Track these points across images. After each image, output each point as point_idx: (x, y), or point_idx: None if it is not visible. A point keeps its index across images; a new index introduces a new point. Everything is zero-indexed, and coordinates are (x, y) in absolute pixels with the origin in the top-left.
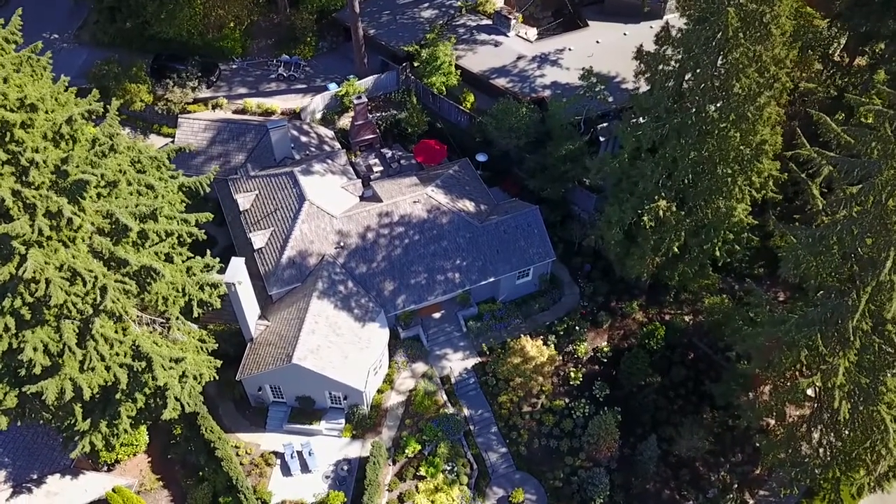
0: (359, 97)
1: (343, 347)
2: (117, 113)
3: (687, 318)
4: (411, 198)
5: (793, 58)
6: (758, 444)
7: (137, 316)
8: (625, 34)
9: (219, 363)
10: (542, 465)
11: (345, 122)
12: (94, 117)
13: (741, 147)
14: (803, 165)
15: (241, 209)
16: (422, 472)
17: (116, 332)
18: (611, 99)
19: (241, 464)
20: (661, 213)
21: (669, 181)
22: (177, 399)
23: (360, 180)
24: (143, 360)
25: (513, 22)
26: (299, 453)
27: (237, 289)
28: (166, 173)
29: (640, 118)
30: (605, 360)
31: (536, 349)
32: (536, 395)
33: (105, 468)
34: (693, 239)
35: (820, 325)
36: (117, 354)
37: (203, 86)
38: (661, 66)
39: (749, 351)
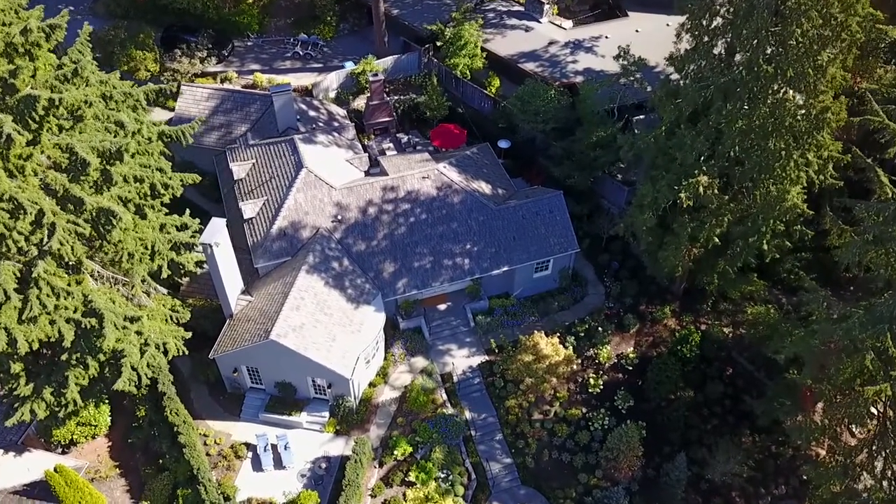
0: (375, 75)
1: (330, 328)
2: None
3: (726, 330)
4: (420, 173)
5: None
6: (805, 477)
7: (98, 273)
8: (667, 25)
9: (188, 335)
10: (552, 481)
11: (360, 103)
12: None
13: (798, 116)
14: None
15: (234, 178)
16: (411, 477)
17: (70, 284)
18: (649, 88)
19: (207, 454)
20: (701, 189)
21: (712, 159)
22: (134, 369)
23: (366, 154)
24: (94, 316)
25: (546, 7)
26: (274, 447)
27: (214, 251)
28: (143, 115)
29: (681, 81)
30: (630, 368)
31: (551, 347)
32: (549, 402)
33: (59, 449)
34: (737, 228)
35: (891, 322)
36: (66, 308)
37: (213, 59)
38: (707, 17)
39: (800, 355)
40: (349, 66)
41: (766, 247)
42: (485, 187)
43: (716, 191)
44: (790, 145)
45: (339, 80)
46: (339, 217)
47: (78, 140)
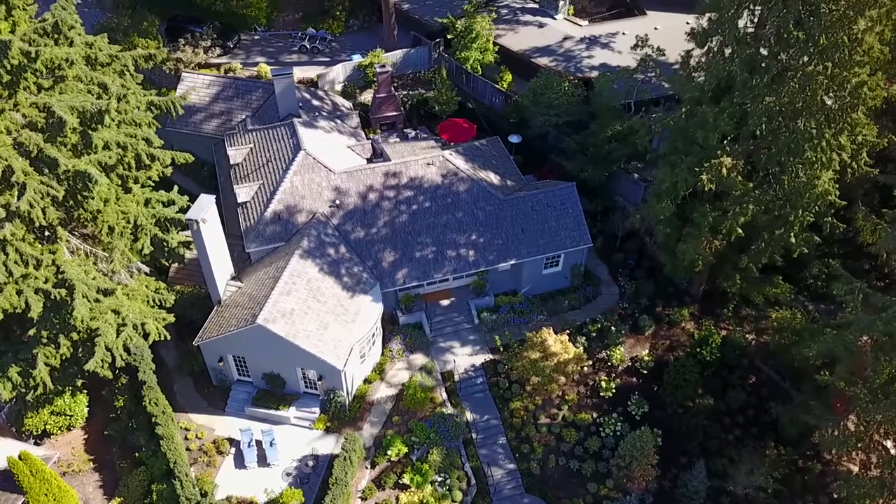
0: (383, 66)
1: (323, 316)
2: None
3: (749, 337)
4: (425, 159)
5: None
6: (836, 496)
7: (76, 247)
8: (687, 23)
9: (171, 318)
10: (559, 490)
11: (367, 97)
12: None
13: (832, 91)
14: None
15: (231, 163)
16: (405, 479)
17: (42, 254)
18: (667, 85)
19: (187, 449)
20: (724, 171)
21: (736, 142)
22: (109, 350)
23: (369, 141)
24: (65, 287)
25: (561, 3)
26: (258, 442)
27: (201, 228)
28: (131, 83)
29: (703, 58)
30: (645, 372)
31: (560, 344)
32: (557, 405)
33: (31, 440)
34: (763, 217)
35: None
36: (35, 279)
37: (218, 49)
38: None
39: (834, 353)
40: (356, 58)
41: (793, 240)
42: (493, 178)
43: (740, 176)
44: (822, 124)
45: (345, 72)
46: (338, 202)
47: (57, 100)
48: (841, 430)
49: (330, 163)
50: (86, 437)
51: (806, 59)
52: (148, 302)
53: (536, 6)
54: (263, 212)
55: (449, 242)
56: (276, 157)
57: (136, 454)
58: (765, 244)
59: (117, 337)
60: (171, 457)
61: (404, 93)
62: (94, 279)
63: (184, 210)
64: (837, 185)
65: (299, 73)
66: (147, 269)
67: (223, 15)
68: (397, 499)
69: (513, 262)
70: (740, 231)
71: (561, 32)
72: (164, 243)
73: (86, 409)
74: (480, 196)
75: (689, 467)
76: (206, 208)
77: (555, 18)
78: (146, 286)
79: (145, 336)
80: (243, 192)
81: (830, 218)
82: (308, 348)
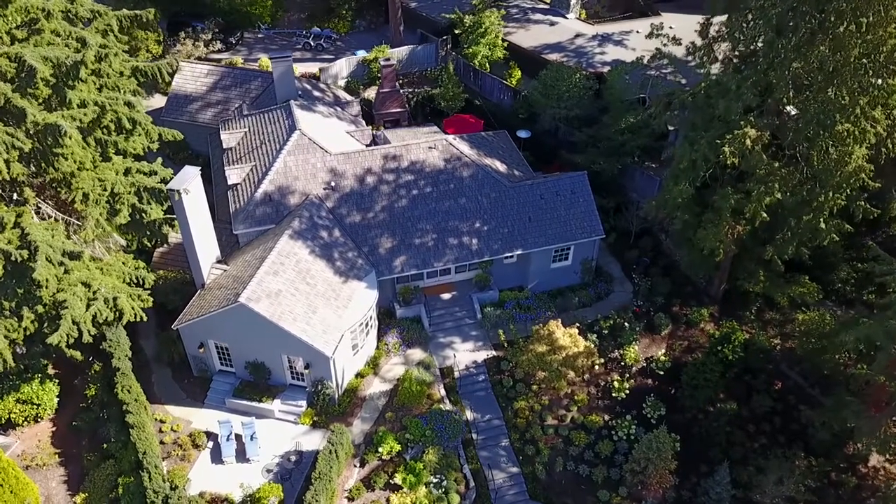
0: (388, 60)
1: (312, 300)
2: None
3: (774, 342)
4: (427, 143)
5: None
6: None
7: (46, 214)
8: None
9: (148, 299)
10: (566, 497)
11: (370, 94)
12: None
13: (871, 50)
14: None
15: (224, 146)
16: (397, 479)
17: (7, 215)
18: (683, 81)
19: (161, 442)
20: (748, 143)
21: (762, 115)
22: (75, 323)
23: (369, 128)
24: (28, 249)
25: (573, 2)
26: (238, 436)
27: (183, 199)
28: (116, 45)
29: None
30: (661, 373)
31: (569, 338)
32: (566, 406)
33: None
34: (790, 200)
35: None
36: None
37: (219, 43)
38: None
39: (872, 340)
40: (361, 53)
41: (823, 226)
42: (499, 166)
43: (765, 154)
44: (854, 92)
45: (349, 67)
46: (333, 184)
47: (29, 51)
48: (882, 430)
49: (327, 145)
50: (54, 429)
51: (834, 18)
52: (124, 280)
53: (547, 6)
54: (254, 193)
55: (451, 230)
56: (271, 139)
57: (105, 446)
58: (791, 233)
59: (87, 310)
60: (140, 447)
61: (410, 90)
62: (61, 243)
63: (166, 182)
64: (872, 168)
65: (301, 68)
66: (124, 243)
67: (227, 13)
68: (388, 500)
69: (519, 251)
70: (765, 215)
71: (573, 30)
72: (143, 214)
73: (55, 400)
74: (485, 182)
75: (711, 475)
76: (189, 179)
77: (566, 18)
78: (123, 263)
79: (119, 315)
80: (234, 174)
81: (863, 202)
82: (294, 331)
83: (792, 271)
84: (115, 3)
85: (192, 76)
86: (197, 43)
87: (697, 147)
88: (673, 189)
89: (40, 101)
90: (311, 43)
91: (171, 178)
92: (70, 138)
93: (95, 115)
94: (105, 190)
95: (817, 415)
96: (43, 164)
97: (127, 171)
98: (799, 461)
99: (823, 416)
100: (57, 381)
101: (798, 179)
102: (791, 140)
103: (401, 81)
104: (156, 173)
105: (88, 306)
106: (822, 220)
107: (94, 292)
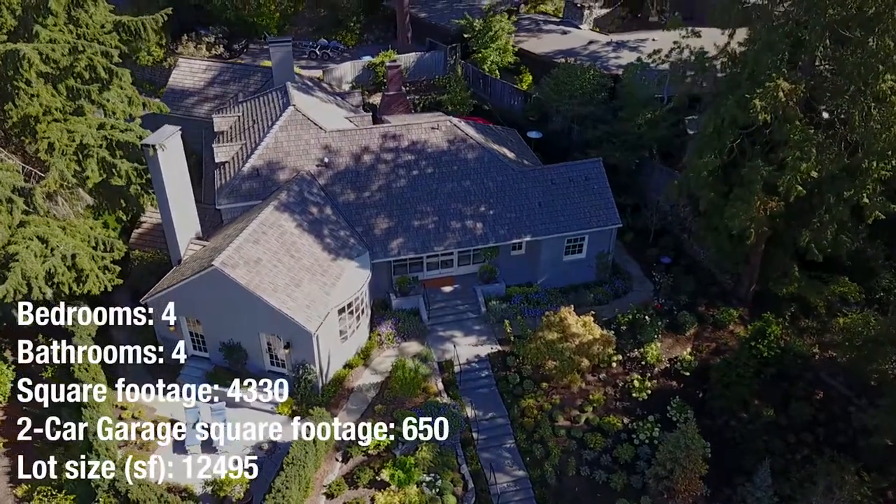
0: (394, 62)
1: (296, 273)
2: None
3: (812, 351)
4: (429, 123)
5: None
6: None
7: (6, 156)
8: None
9: (113, 265)
10: None
11: (375, 100)
12: None
13: None
14: None
15: (215, 130)
16: (384, 476)
17: None
18: (704, 85)
19: (119, 429)
20: (782, 96)
21: (795, 70)
22: (25, 278)
23: (369, 114)
24: None
25: (586, 13)
26: (206, 425)
27: (158, 156)
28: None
29: None
30: (687, 374)
31: (582, 325)
32: (580, 406)
33: None
34: (829, 169)
35: None
36: None
37: (222, 48)
38: None
39: None
40: (367, 58)
41: (866, 200)
42: (507, 153)
43: (798, 119)
44: None
45: (354, 71)
46: (326, 160)
47: None
48: None
49: (322, 123)
50: (4, 418)
51: None
52: (90, 244)
53: (559, 19)
54: (241, 168)
55: (453, 213)
56: (263, 118)
57: (57, 431)
58: (830, 214)
59: (40, 266)
60: (90, 427)
61: (417, 97)
62: (12, 180)
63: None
64: None
65: (305, 73)
66: (91, 201)
67: (233, 24)
68: (373, 499)
69: (528, 238)
70: (801, 188)
71: (586, 38)
72: (114, 169)
73: (9, 387)
74: (492, 165)
75: (750, 480)
76: (167, 135)
77: (579, 28)
78: (91, 227)
79: (78, 276)
80: (222, 152)
81: None
82: (273, 302)
83: (828, 269)
84: (129, 10)
85: (190, 72)
86: (199, 46)
87: (724, 108)
88: (698, 162)
89: (4, 31)
90: (318, 52)
91: (148, 135)
92: (31, 66)
93: (65, 54)
94: (73, 141)
95: (871, 417)
96: (4, 102)
97: (101, 127)
98: (849, 475)
99: (881, 417)
100: (13, 367)
101: (837, 150)
102: (830, 98)
103: (407, 88)
104: (132, 131)
105: (44, 261)
106: (865, 194)
107: (52, 249)
